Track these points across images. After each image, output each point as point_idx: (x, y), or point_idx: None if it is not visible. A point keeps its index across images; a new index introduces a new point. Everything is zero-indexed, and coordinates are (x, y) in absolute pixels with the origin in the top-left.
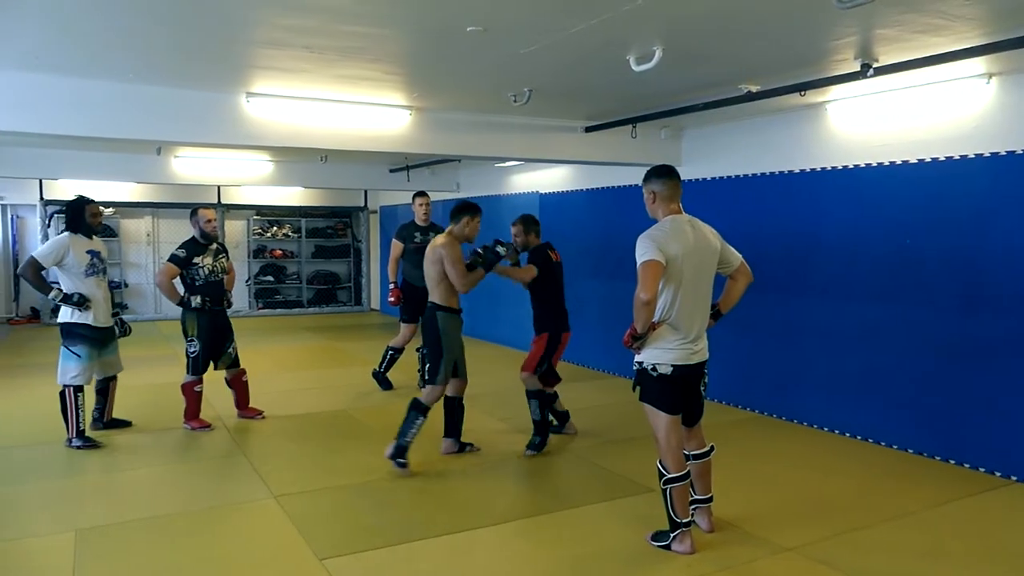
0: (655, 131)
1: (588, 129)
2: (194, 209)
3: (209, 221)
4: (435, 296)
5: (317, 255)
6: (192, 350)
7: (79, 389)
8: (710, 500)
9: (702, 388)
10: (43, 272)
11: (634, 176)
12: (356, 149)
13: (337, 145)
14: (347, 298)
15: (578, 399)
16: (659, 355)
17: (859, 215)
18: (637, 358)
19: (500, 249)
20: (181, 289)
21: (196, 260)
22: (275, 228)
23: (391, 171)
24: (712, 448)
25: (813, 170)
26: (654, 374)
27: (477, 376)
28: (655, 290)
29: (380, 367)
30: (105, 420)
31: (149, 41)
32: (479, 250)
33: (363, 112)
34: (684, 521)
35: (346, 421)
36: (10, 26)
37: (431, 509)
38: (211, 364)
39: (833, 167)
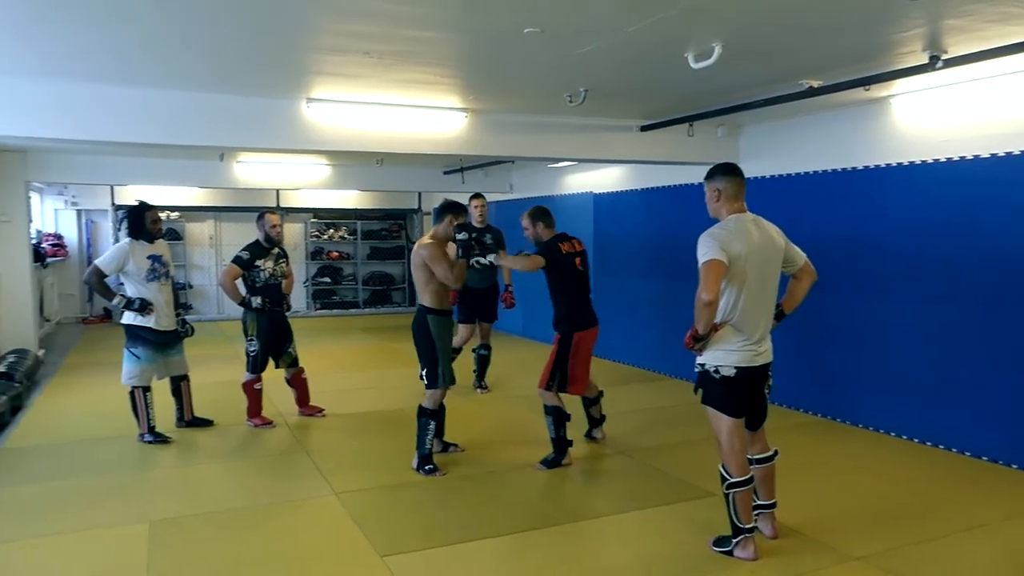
0: (712, 129)
1: (644, 128)
2: (261, 213)
3: (275, 226)
4: (424, 299)
5: (372, 256)
6: (252, 349)
7: (146, 389)
8: (774, 506)
9: (766, 391)
10: (106, 279)
11: (690, 175)
12: (413, 152)
13: (394, 148)
14: (401, 299)
15: (634, 401)
16: (722, 357)
17: (925, 213)
18: (699, 360)
19: (462, 236)
20: (243, 290)
21: (258, 263)
22: (332, 230)
23: (445, 173)
24: (776, 452)
25: (877, 166)
26: (717, 376)
27: (531, 377)
28: (717, 290)
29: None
30: (186, 420)
31: (217, 51)
32: (457, 241)
33: (419, 115)
34: (747, 527)
35: (403, 420)
36: (90, 39)
37: (490, 509)
38: (271, 363)
39: (898, 163)
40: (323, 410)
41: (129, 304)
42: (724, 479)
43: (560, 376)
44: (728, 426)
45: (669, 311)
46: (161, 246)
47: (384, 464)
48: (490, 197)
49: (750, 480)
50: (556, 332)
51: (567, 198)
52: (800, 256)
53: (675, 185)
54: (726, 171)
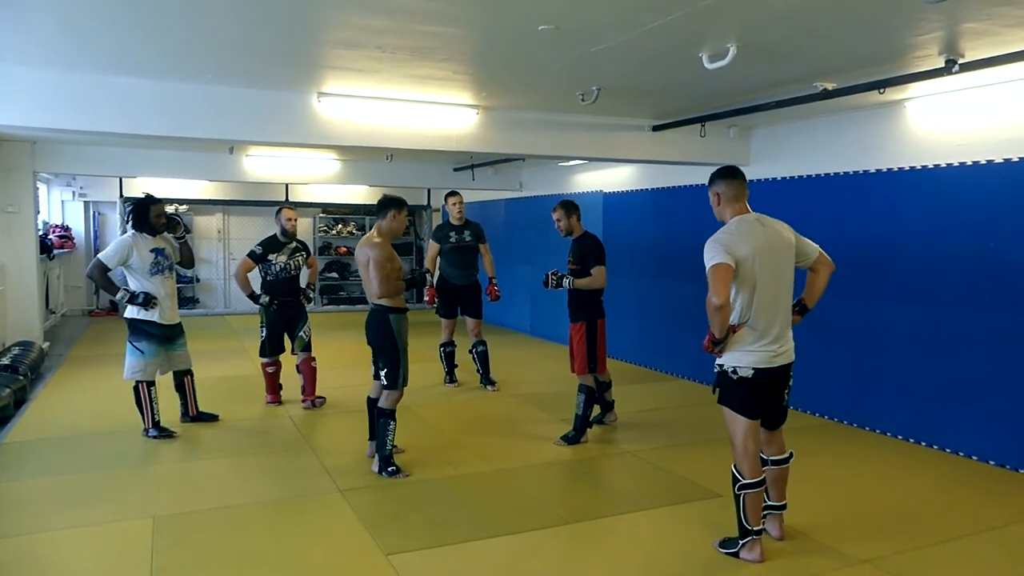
0: (724, 130)
1: (656, 128)
2: (279, 208)
3: (290, 220)
4: (380, 299)
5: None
6: (262, 336)
7: (150, 384)
8: (783, 507)
9: (786, 393)
10: (109, 273)
11: (701, 176)
12: (423, 148)
13: (405, 144)
14: (409, 295)
15: (640, 401)
16: (740, 358)
17: (939, 217)
18: (719, 361)
19: (429, 277)
20: (258, 286)
21: (271, 257)
22: (340, 225)
23: (455, 170)
24: (791, 455)
25: (890, 170)
26: (734, 377)
27: (539, 374)
28: (726, 294)
29: (447, 370)
30: (191, 415)
31: (228, 43)
32: (414, 271)
33: (431, 111)
34: (755, 529)
35: (409, 417)
36: (99, 30)
37: (495, 508)
38: (284, 348)
39: (911, 167)
40: (324, 398)
41: (133, 298)
42: (736, 480)
43: (592, 358)
44: (743, 427)
45: (678, 312)
46: (163, 240)
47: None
48: (500, 195)
49: (762, 482)
50: (577, 321)
51: (576, 197)
52: (813, 248)
53: (686, 186)
54: (725, 174)
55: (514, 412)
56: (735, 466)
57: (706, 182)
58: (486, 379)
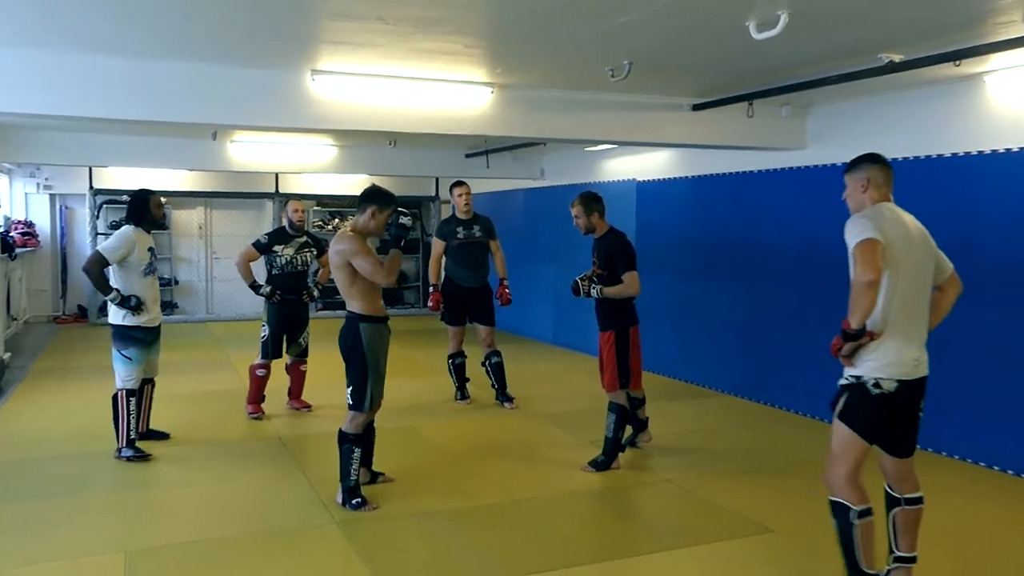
0: (775, 108)
1: (696, 107)
2: (285, 201)
3: (296, 211)
4: (353, 304)
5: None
6: (263, 334)
7: (131, 393)
8: (914, 560)
9: (920, 411)
10: (106, 270)
11: (748, 161)
12: (431, 132)
13: (409, 128)
14: (415, 299)
15: (680, 421)
16: (882, 366)
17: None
18: (850, 371)
19: (404, 220)
20: (264, 279)
21: (276, 248)
22: (337, 220)
23: (467, 156)
24: (922, 497)
25: (968, 154)
26: (876, 391)
27: (564, 390)
28: (879, 268)
29: (457, 385)
30: (140, 429)
31: (210, 15)
32: (386, 230)
33: (439, 90)
34: (872, 573)
35: (414, 439)
36: (66, 2)
37: (513, 544)
38: (282, 354)
39: (993, 150)
40: (311, 406)
41: (125, 302)
42: (841, 509)
43: (623, 372)
44: (859, 452)
45: (723, 318)
46: (151, 238)
47: (393, 489)
48: (518, 184)
49: (871, 510)
50: (606, 330)
51: (606, 186)
52: (948, 264)
53: (731, 173)
54: (873, 159)
55: (535, 433)
56: (835, 498)
57: (756, 167)
58: (502, 395)
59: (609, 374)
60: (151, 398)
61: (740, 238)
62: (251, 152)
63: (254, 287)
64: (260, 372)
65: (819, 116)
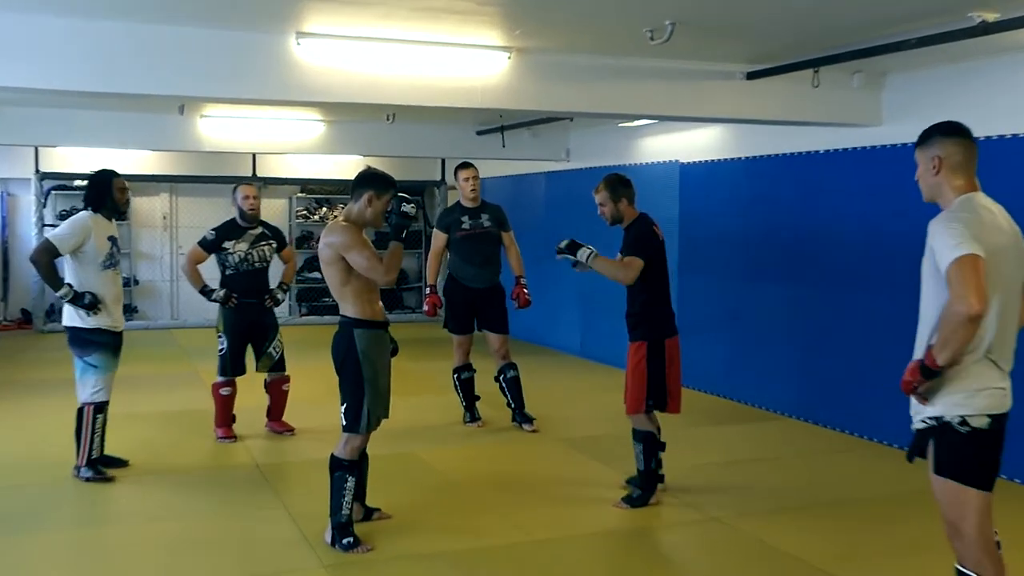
0: (845, 77)
1: (751, 75)
2: (235, 185)
3: (247, 198)
4: (347, 307)
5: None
6: (220, 348)
7: (101, 407)
8: None
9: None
10: (56, 260)
11: (813, 139)
12: (436, 105)
13: (412, 100)
14: (417, 302)
15: (730, 448)
16: (968, 401)
17: None
18: (929, 411)
19: (407, 208)
20: (217, 281)
21: (227, 245)
22: (324, 209)
23: (479, 133)
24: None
25: None
26: (964, 431)
27: (594, 410)
28: (987, 296)
29: (465, 404)
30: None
31: None
32: (384, 220)
33: (446, 56)
34: None
35: (414, 468)
36: None
37: None
38: (245, 369)
39: None
40: (293, 430)
41: (77, 299)
42: None
43: (657, 392)
44: (978, 505)
45: (782, 326)
46: (114, 226)
47: (390, 528)
48: (541, 167)
49: None
50: (637, 340)
51: (643, 169)
52: None
53: (793, 154)
54: (948, 130)
55: (558, 462)
56: (963, 565)
57: (823, 147)
58: (520, 416)
59: (633, 393)
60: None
61: (802, 231)
62: (224, 129)
63: (205, 292)
64: (224, 391)
65: (897, 86)
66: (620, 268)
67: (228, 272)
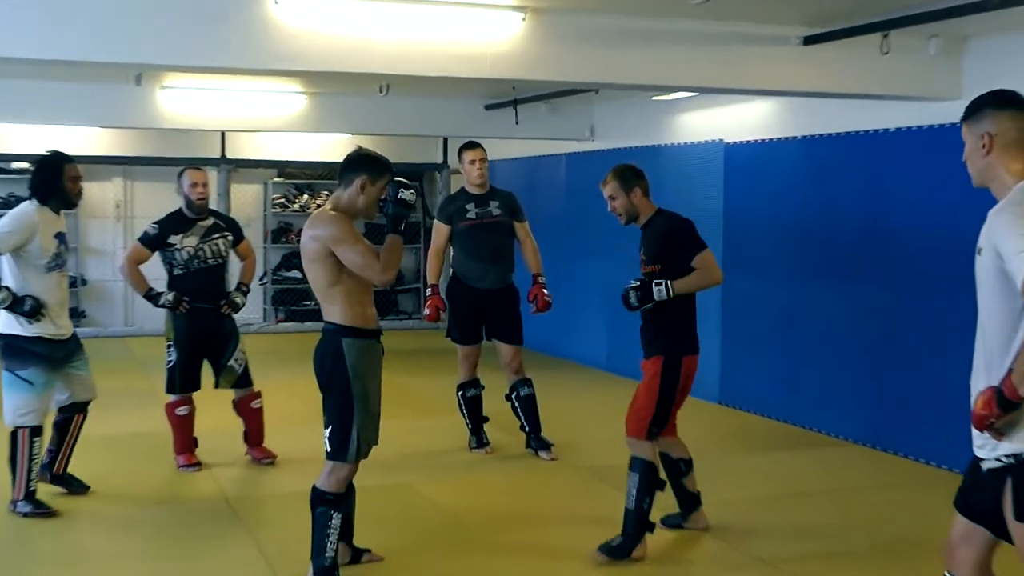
0: (920, 43)
1: (809, 40)
2: (181, 170)
3: (195, 185)
4: (334, 313)
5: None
6: (169, 360)
7: (36, 432)
8: None
9: None
10: None
11: (883, 115)
12: (436, 75)
13: (407, 69)
14: (413, 306)
15: (783, 478)
16: None
17: None
18: (1006, 448)
19: (406, 195)
20: (163, 285)
21: (173, 241)
22: (306, 196)
23: (488, 108)
24: None
25: None
26: None
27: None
28: None
29: (471, 427)
30: (55, 470)
31: None
32: (379, 209)
33: (451, 17)
34: None
35: (411, 503)
36: None
37: None
38: (200, 384)
39: None
40: (275, 457)
41: (16, 305)
42: None
43: (663, 416)
44: None
45: (847, 335)
46: (62, 220)
47: (380, 572)
48: (562, 147)
49: None
50: (653, 355)
51: (681, 150)
52: None
53: (859, 132)
54: (1002, 101)
55: (581, 496)
56: None
57: (895, 125)
58: (536, 441)
59: (637, 414)
60: (78, 431)
61: (870, 224)
62: (189, 103)
63: (151, 297)
64: (180, 411)
65: (980, 52)
66: (702, 274)
67: (177, 272)
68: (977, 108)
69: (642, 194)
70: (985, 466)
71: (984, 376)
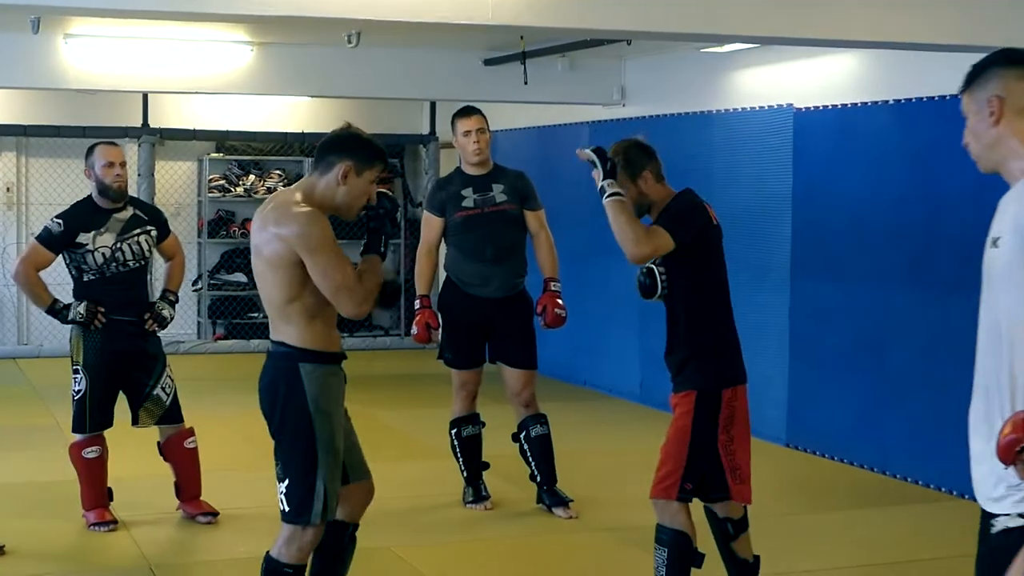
0: None
1: None
2: (91, 146)
3: (109, 165)
4: (287, 332)
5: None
6: (76, 389)
7: None
8: None
9: None
10: None
11: None
12: (421, 20)
13: (384, 13)
14: (391, 319)
15: (880, 542)
16: None
17: None
18: None
19: (387, 203)
20: (66, 292)
21: (83, 239)
22: (252, 177)
23: (487, 63)
24: None
25: None
26: None
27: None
28: None
29: (467, 475)
30: None
31: None
32: (368, 212)
33: None
34: None
35: (389, 570)
36: None
37: None
38: (112, 420)
39: None
40: (217, 513)
41: None
42: None
43: (700, 470)
44: None
45: (961, 360)
46: None
47: None
48: (580, 113)
49: None
50: (683, 389)
51: (738, 117)
52: None
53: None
54: (1011, 59)
55: (605, 564)
56: None
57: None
58: (549, 495)
59: (663, 466)
60: None
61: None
62: (101, 57)
63: (56, 311)
64: (89, 454)
65: None
66: (636, 230)
67: (88, 278)
68: (980, 71)
69: (653, 177)
70: (1001, 526)
71: (996, 397)
